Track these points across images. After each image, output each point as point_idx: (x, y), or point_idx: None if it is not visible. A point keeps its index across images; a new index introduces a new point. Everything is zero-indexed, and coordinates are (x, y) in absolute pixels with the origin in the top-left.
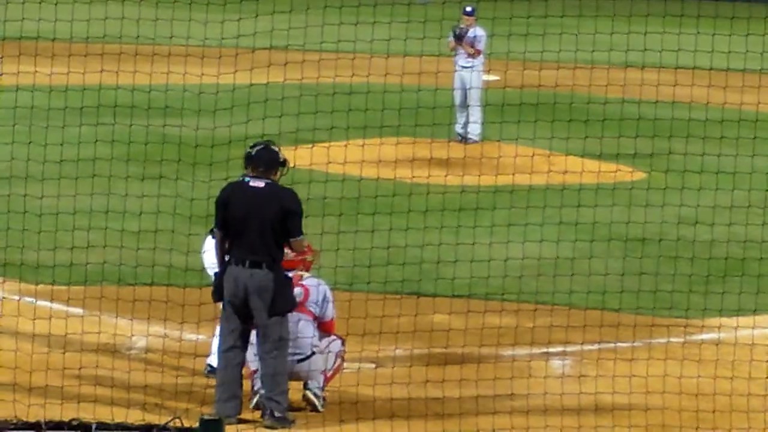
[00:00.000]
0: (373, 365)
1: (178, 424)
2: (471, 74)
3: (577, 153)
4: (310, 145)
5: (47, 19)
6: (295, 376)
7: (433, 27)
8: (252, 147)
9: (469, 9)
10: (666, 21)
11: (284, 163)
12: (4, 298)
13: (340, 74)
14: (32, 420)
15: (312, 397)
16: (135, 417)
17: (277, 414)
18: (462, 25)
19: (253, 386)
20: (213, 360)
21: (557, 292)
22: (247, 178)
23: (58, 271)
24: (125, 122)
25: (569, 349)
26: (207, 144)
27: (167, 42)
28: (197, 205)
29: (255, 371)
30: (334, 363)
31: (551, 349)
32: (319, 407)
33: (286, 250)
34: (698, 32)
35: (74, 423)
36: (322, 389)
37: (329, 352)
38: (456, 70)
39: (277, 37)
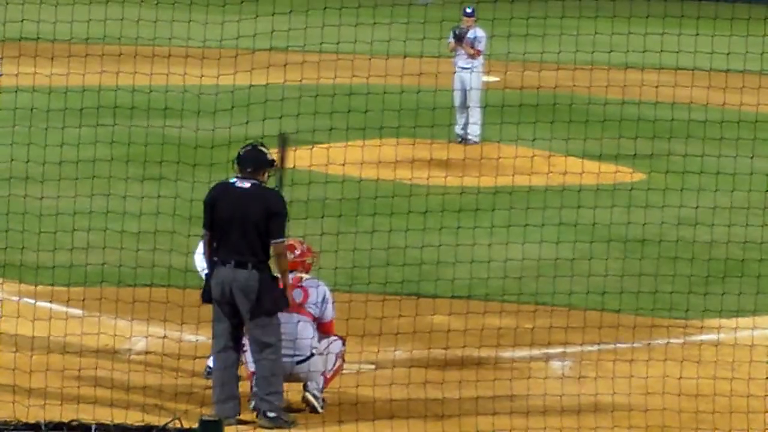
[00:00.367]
0: (373, 366)
1: (178, 425)
2: (471, 75)
3: (577, 154)
4: (310, 146)
5: (47, 20)
6: (294, 378)
7: (433, 28)
8: (242, 148)
9: (469, 10)
10: (666, 22)
11: (272, 163)
12: (3, 299)
13: (340, 75)
14: (32, 421)
15: (311, 398)
16: (134, 418)
17: (270, 414)
18: (462, 26)
19: (251, 388)
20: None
21: (557, 293)
22: (233, 179)
23: (58, 272)
24: (125, 123)
25: (569, 350)
26: (207, 145)
27: (167, 43)
28: (197, 206)
29: (253, 373)
30: (334, 364)
31: (551, 350)
32: (319, 408)
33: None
34: (698, 33)
35: (74, 424)
36: (322, 390)
37: (329, 353)
38: (456, 71)
39: (277, 39)
